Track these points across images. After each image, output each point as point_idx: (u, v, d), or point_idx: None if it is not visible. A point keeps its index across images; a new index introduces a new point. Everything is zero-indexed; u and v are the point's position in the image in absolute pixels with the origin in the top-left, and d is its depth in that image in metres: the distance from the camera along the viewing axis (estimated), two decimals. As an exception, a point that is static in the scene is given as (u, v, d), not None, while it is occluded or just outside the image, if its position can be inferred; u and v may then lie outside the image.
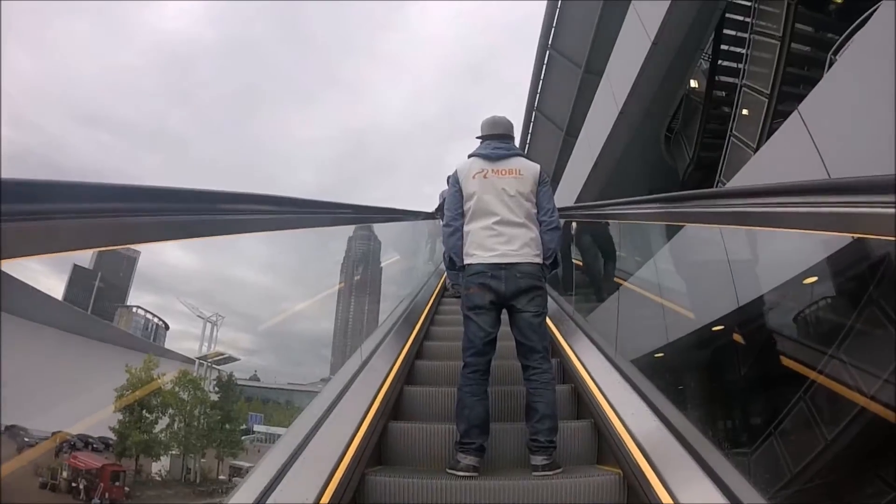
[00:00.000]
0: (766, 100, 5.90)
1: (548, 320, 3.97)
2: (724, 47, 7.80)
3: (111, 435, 1.49)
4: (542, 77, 14.52)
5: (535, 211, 2.67)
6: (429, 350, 4.08)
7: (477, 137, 2.86)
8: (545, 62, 14.11)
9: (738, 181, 4.84)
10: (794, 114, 3.77)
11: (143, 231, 1.36)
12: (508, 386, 3.04)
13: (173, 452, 1.77)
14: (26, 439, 1.26)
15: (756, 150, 5.95)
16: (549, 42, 13.57)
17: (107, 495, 1.44)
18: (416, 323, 4.37)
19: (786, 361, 1.97)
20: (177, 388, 1.88)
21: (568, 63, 13.21)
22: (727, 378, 2.49)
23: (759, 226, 1.96)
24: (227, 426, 2.13)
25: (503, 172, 2.66)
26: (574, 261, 5.99)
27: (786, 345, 2.00)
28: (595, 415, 2.62)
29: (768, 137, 5.78)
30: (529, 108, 15.50)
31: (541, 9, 13.26)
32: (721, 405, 2.42)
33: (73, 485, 1.34)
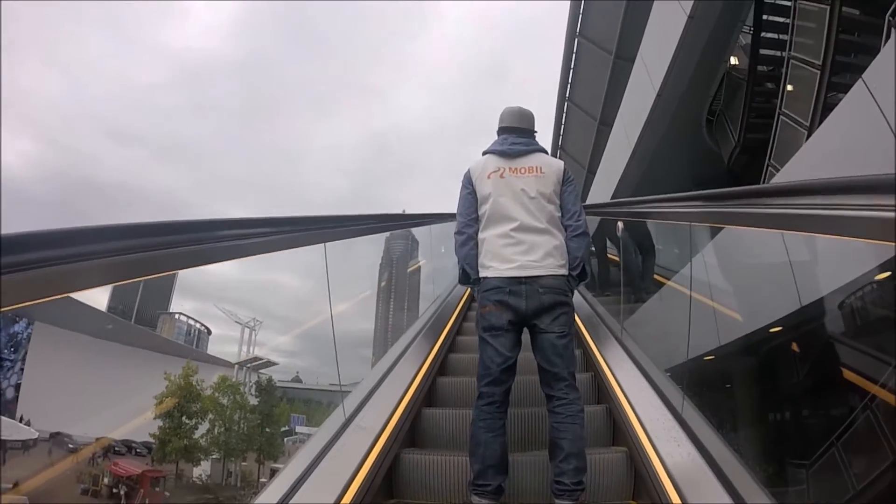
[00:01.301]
0: (818, 72, 5.55)
1: (581, 326, 3.95)
2: (766, 17, 7.44)
3: (151, 441, 1.55)
4: (572, 66, 14.25)
5: (559, 214, 2.43)
6: (454, 364, 3.81)
7: (498, 130, 2.63)
8: (574, 51, 13.85)
9: (797, 164, 4.54)
10: (858, 84, 3.47)
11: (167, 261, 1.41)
12: (529, 408, 2.81)
13: (214, 457, 1.84)
14: (70, 445, 1.31)
15: (809, 128, 5.65)
16: (578, 30, 13.33)
17: (147, 501, 1.47)
18: (442, 331, 4.13)
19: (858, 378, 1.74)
20: (216, 394, 1.93)
21: (598, 50, 12.89)
22: (786, 404, 2.21)
23: (820, 232, 1.67)
24: (268, 429, 2.19)
25: (522, 171, 2.43)
26: (609, 256, 5.85)
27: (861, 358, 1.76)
28: (630, 443, 2.42)
29: (822, 113, 5.50)
30: (561, 100, 15.23)
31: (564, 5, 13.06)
32: (775, 435, 2.18)
33: (114, 490, 1.39)
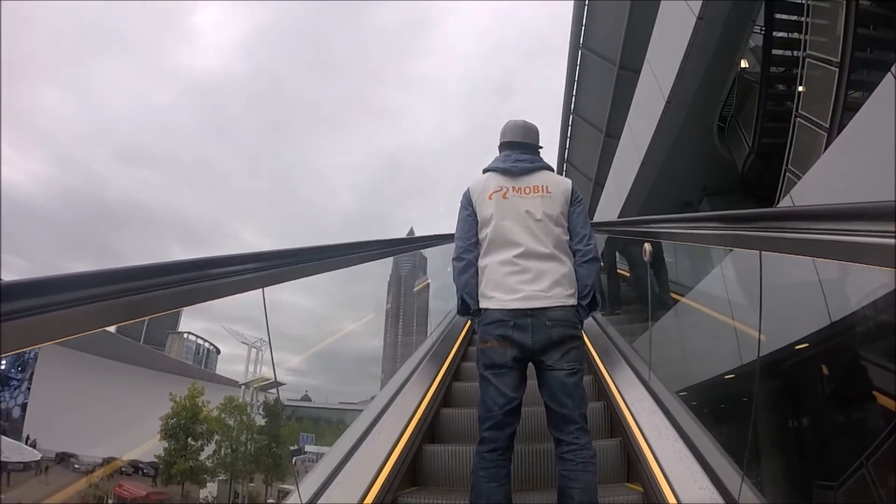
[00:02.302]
0: (837, 69, 5.47)
1: (592, 352, 3.79)
2: (777, 16, 7.39)
3: (157, 462, 1.56)
4: (576, 79, 14.42)
5: (567, 238, 2.27)
6: (459, 394, 3.62)
7: (500, 145, 2.47)
8: (578, 63, 14.02)
9: (821, 168, 4.41)
10: (887, 78, 3.36)
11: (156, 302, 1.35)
12: (536, 444, 2.66)
13: (220, 478, 1.83)
14: (76, 466, 1.32)
15: (829, 129, 5.55)
16: (581, 41, 13.46)
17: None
18: (447, 356, 3.93)
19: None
20: (223, 415, 1.93)
21: (602, 61, 13.03)
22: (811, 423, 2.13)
23: (856, 261, 1.50)
24: (275, 450, 2.18)
25: (527, 191, 2.27)
26: (619, 271, 5.76)
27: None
28: (647, 485, 2.29)
29: (843, 113, 5.40)
30: (566, 113, 15.40)
31: (567, 15, 13.19)
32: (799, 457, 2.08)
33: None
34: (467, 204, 2.35)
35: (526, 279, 2.14)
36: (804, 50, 6.12)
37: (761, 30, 7.57)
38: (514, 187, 2.28)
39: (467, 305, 2.25)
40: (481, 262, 2.26)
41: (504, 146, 2.43)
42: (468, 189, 2.38)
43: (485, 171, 2.40)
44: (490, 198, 2.28)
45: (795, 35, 6.93)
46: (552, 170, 2.40)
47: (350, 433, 2.57)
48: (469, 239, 2.30)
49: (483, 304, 2.20)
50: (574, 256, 2.26)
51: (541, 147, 2.46)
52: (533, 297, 2.12)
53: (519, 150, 2.38)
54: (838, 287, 2.06)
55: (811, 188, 4.53)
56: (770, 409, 2.37)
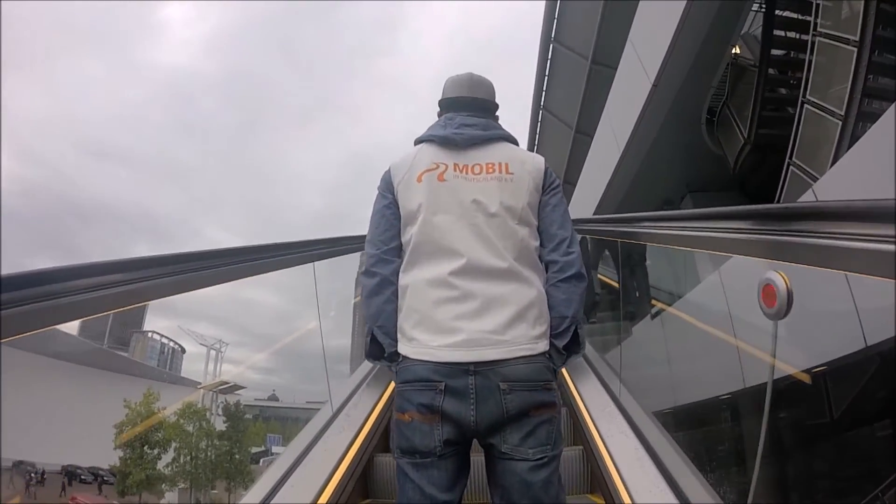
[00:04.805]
0: (856, 49, 4.84)
1: (564, 374, 3.04)
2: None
3: (109, 474, 1.51)
4: (546, 73, 14.01)
5: (537, 243, 1.46)
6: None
7: (440, 108, 1.63)
8: (549, 58, 13.61)
9: (852, 159, 3.80)
10: None
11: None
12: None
13: (180, 486, 1.78)
14: (31, 475, 1.29)
15: (845, 116, 4.95)
16: (553, 35, 13.10)
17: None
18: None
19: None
20: (181, 421, 1.85)
21: (574, 55, 12.63)
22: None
23: None
24: (237, 456, 2.09)
25: (476, 170, 1.45)
26: (602, 277, 5.00)
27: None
28: None
29: (863, 97, 4.79)
30: (536, 108, 15.09)
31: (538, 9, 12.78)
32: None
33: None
34: (386, 190, 1.52)
35: (468, 311, 1.34)
36: (814, 29, 5.44)
37: (760, 7, 6.88)
38: (456, 164, 1.47)
39: (379, 346, 1.42)
40: (402, 281, 1.45)
41: (445, 106, 1.61)
42: (389, 168, 1.55)
43: (417, 141, 1.58)
44: (419, 180, 1.46)
45: (797, 16, 6.28)
46: (516, 142, 1.58)
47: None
48: (386, 244, 1.47)
49: (401, 349, 1.39)
50: (546, 271, 1.45)
51: (497, 108, 1.63)
52: (478, 341, 1.31)
53: (466, 110, 1.56)
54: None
55: (840, 185, 3.82)
56: (779, 435, 1.99)
